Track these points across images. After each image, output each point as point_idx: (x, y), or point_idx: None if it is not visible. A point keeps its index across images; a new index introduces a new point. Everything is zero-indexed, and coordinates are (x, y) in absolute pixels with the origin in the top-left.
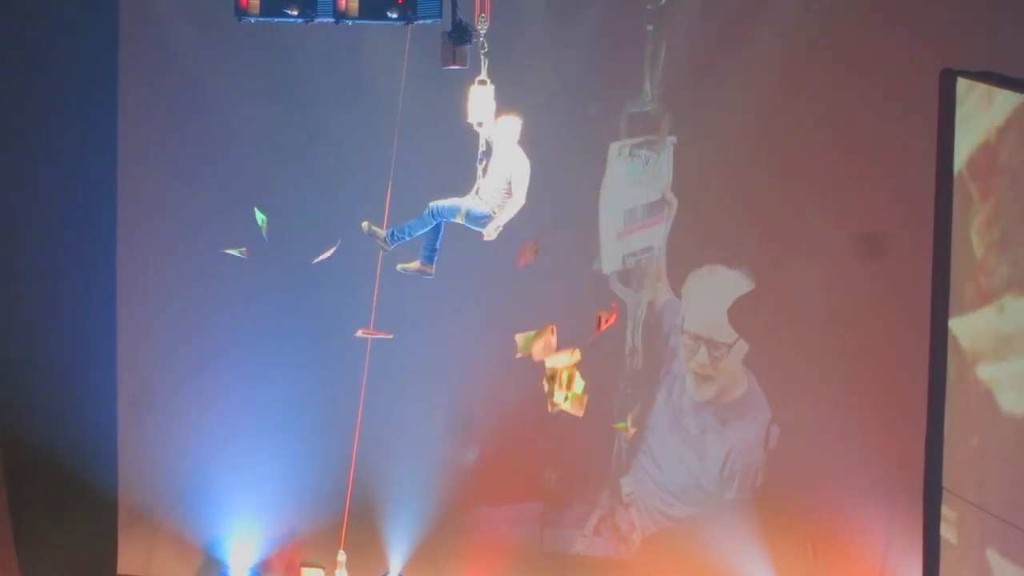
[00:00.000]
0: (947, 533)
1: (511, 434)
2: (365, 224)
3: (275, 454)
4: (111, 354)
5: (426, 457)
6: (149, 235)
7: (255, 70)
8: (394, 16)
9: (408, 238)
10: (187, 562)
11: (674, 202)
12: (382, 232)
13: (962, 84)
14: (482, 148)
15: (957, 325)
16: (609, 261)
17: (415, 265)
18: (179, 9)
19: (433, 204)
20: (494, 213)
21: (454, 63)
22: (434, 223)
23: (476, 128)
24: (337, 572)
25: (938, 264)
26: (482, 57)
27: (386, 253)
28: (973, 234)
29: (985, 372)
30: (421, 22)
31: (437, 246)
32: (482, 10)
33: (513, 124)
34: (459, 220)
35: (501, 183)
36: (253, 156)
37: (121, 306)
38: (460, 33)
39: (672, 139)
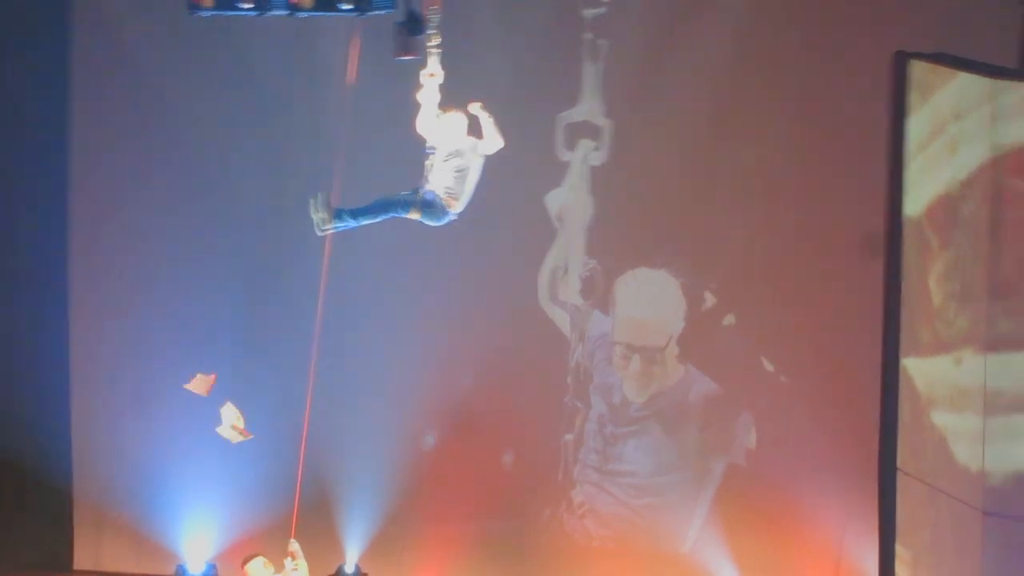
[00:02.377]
0: (900, 572)
1: (466, 420)
2: (318, 196)
3: (229, 447)
4: (64, 350)
5: (381, 445)
6: (103, 231)
7: (209, 65)
8: (348, 7)
9: (353, 224)
10: (144, 557)
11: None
12: (327, 215)
13: (923, 128)
14: (432, 142)
15: (913, 366)
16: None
17: (322, 213)
18: (131, 5)
19: (384, 197)
20: (447, 202)
21: (407, 54)
22: (386, 215)
23: (427, 121)
24: (287, 561)
25: (889, 276)
26: (429, 49)
27: (319, 233)
28: (932, 282)
29: (940, 419)
30: (374, 13)
31: (359, 223)
32: (433, 1)
33: (460, 120)
34: (414, 216)
35: (453, 173)
36: (209, 151)
37: (74, 302)
38: (413, 23)
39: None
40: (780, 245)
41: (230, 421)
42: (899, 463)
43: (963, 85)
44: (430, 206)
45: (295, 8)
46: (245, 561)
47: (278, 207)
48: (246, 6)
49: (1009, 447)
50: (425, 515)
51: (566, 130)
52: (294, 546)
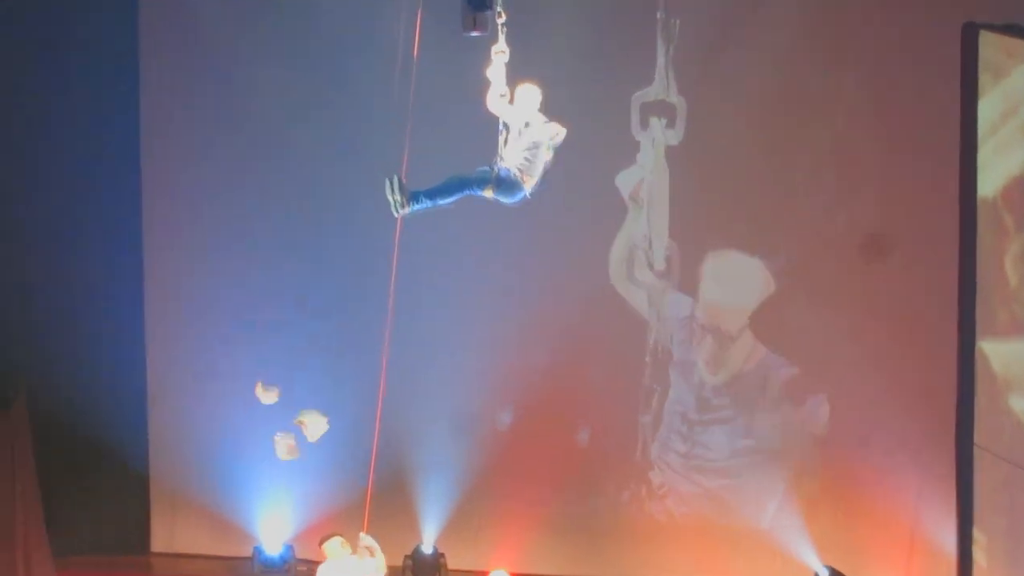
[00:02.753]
0: (977, 556)
1: (542, 399)
2: (395, 179)
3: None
4: (139, 333)
5: (457, 424)
6: (175, 207)
7: (276, 39)
8: None
9: (430, 205)
10: (219, 539)
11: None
12: (403, 197)
13: (996, 110)
14: (505, 119)
15: (990, 348)
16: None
17: (398, 196)
18: None
19: (458, 175)
20: (521, 179)
21: (475, 29)
22: (461, 194)
23: (499, 98)
24: (356, 558)
25: (964, 253)
26: (500, 26)
27: (396, 215)
28: (1008, 263)
29: (1018, 403)
30: None
31: (435, 203)
32: None
33: (534, 92)
34: (488, 194)
35: (525, 151)
36: (277, 122)
37: (148, 281)
38: None
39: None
40: (855, 226)
41: (317, 429)
42: (976, 441)
43: None
44: (505, 183)
45: None
46: (323, 541)
47: (347, 183)
48: None
49: None
50: (501, 494)
51: (640, 109)
52: (367, 541)
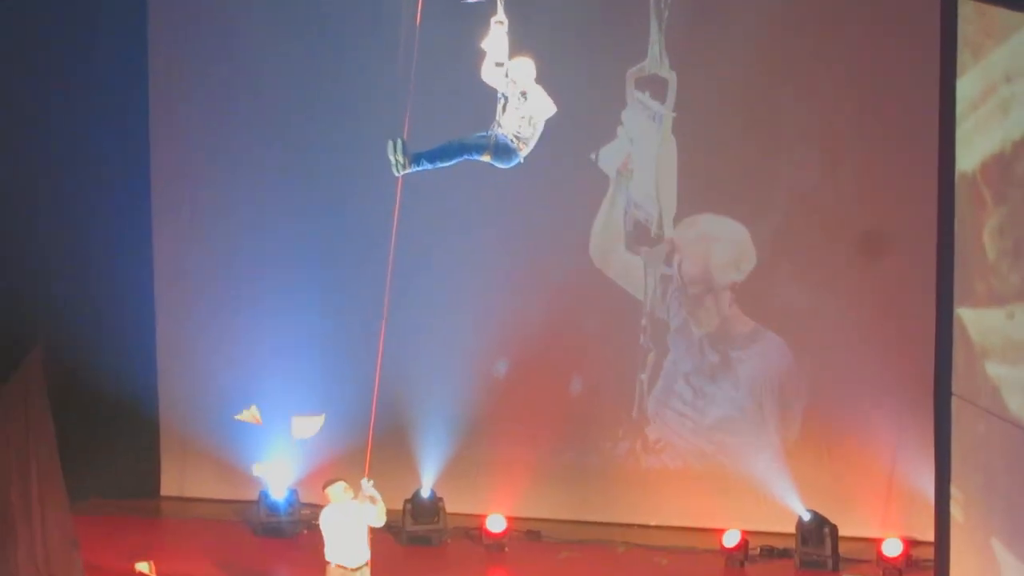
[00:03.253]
0: (954, 511)
1: (540, 350)
2: (399, 141)
3: (309, 377)
4: (149, 290)
5: (455, 373)
6: (184, 162)
7: (282, 9)
8: None
9: (430, 167)
10: (227, 483)
11: None
12: (405, 159)
13: (975, 88)
14: (502, 88)
15: (967, 316)
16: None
17: (400, 157)
18: None
19: (457, 139)
20: (517, 145)
21: None
22: (459, 158)
23: (495, 68)
24: (357, 502)
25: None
26: None
27: (396, 174)
28: (985, 235)
29: (993, 370)
30: None
31: (435, 165)
32: None
33: (529, 65)
34: (485, 158)
35: (521, 120)
36: (280, 90)
37: (157, 240)
38: None
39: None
40: (839, 195)
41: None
42: (954, 390)
43: (1015, 48)
44: (502, 149)
45: None
46: (326, 485)
47: (351, 142)
48: None
49: None
50: (498, 442)
51: (630, 83)
52: (369, 490)
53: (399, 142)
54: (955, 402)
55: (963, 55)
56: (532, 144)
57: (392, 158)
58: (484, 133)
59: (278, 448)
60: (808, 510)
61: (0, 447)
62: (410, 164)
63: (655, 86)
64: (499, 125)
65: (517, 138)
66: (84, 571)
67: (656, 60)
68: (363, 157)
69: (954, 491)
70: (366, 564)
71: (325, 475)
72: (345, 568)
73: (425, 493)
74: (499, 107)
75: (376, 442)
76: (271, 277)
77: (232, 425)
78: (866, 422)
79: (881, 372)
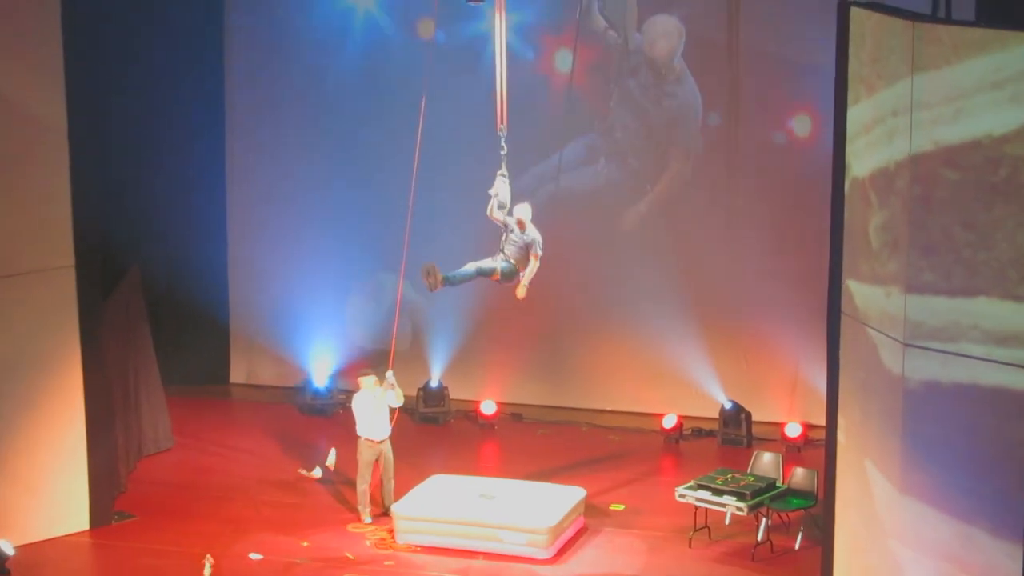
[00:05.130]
0: (840, 436)
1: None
2: (432, 270)
3: (351, 292)
4: (222, 215)
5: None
6: (254, 108)
7: (329, 29)
8: None
9: (456, 284)
10: (283, 373)
11: None
12: (436, 281)
13: (867, 115)
14: (505, 223)
15: (854, 287)
16: None
17: (434, 280)
18: None
19: (475, 265)
20: (516, 268)
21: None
22: (475, 277)
23: (499, 209)
24: (381, 389)
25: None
26: (502, 154)
27: (430, 291)
28: (871, 230)
29: (873, 333)
30: None
31: (458, 284)
32: None
33: (527, 208)
34: (495, 279)
35: (521, 247)
36: (331, 81)
37: (229, 174)
38: None
39: None
40: (747, 189)
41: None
42: (844, 309)
43: (899, 91)
44: (508, 273)
45: None
46: (359, 375)
47: (377, 111)
48: None
49: (924, 363)
50: (492, 342)
51: None
52: (391, 379)
53: (431, 268)
54: (843, 319)
55: (859, 89)
56: (530, 273)
57: (425, 280)
58: (495, 265)
59: (323, 344)
60: (729, 399)
61: (105, 347)
62: (441, 283)
63: None
64: (503, 251)
65: (516, 262)
66: (173, 436)
67: None
68: (390, 100)
69: (840, 420)
70: (388, 438)
71: (358, 368)
72: (372, 441)
73: (434, 383)
74: (502, 238)
75: (398, 343)
76: (317, 208)
77: (287, 328)
78: (777, 334)
79: (792, 298)
